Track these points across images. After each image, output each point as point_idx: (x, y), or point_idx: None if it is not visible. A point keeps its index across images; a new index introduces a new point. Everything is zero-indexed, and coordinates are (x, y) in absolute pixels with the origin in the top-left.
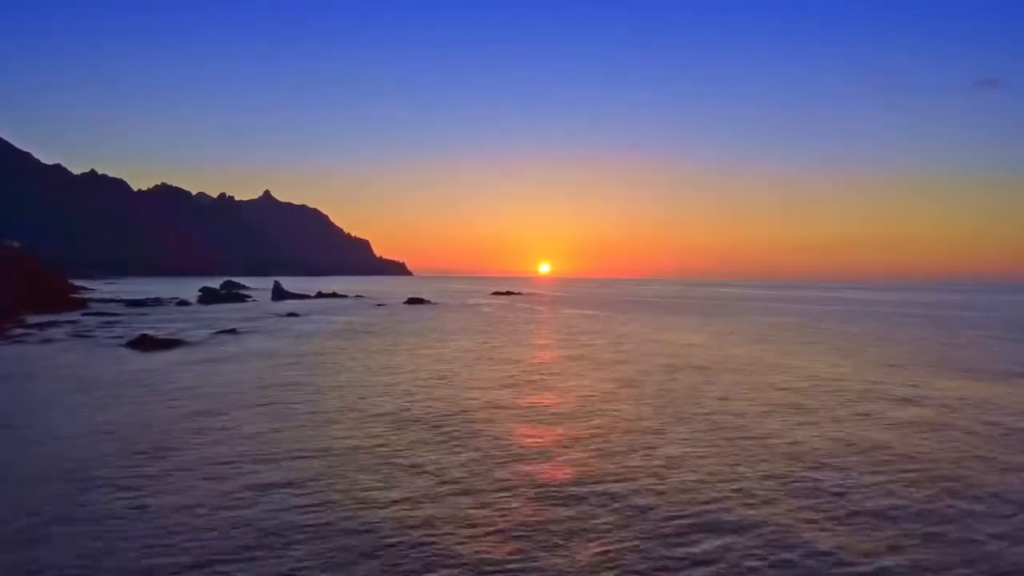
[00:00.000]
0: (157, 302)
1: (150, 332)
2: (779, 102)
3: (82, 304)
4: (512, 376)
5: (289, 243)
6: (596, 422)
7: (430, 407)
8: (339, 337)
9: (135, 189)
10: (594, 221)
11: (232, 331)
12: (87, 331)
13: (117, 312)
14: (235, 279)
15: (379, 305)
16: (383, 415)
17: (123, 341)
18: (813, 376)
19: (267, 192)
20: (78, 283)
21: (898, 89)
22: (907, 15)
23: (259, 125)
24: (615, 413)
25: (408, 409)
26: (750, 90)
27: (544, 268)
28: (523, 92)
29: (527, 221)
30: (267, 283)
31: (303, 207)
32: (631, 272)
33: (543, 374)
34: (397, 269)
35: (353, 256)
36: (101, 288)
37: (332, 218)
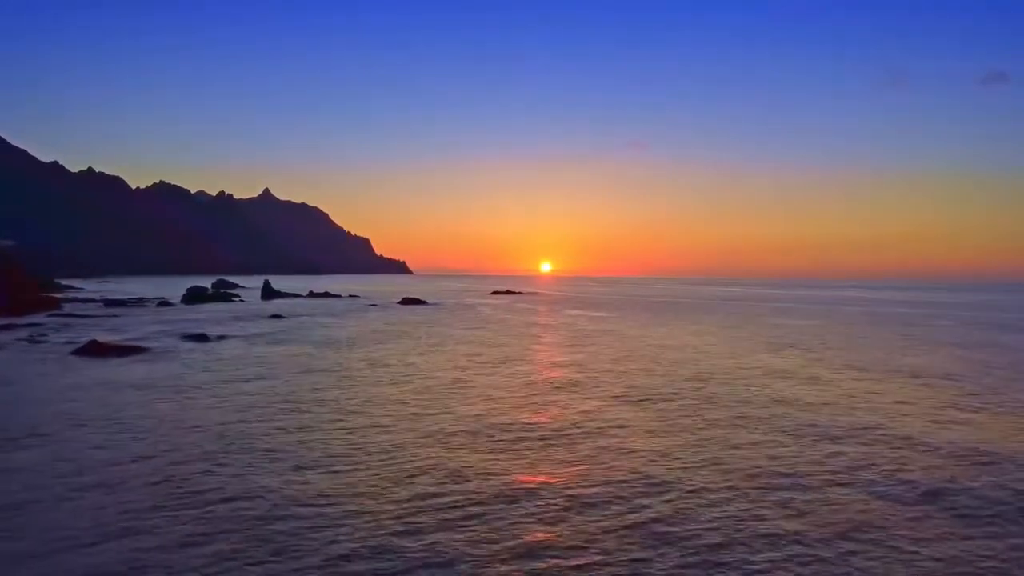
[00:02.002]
0: (139, 302)
1: (106, 338)
2: (780, 101)
3: (56, 305)
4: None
5: (289, 241)
6: None
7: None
8: (305, 343)
9: (133, 187)
10: (595, 220)
11: (201, 336)
12: (41, 336)
13: (89, 314)
14: (232, 278)
15: (372, 305)
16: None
17: (74, 348)
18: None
19: (267, 190)
20: (66, 282)
21: (902, 86)
22: (910, 8)
23: (258, 123)
24: None
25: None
26: (751, 88)
27: (546, 267)
28: (525, 90)
29: (529, 220)
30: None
31: (303, 205)
32: (633, 271)
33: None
34: (398, 268)
35: (353, 255)
36: (89, 288)
37: (332, 216)
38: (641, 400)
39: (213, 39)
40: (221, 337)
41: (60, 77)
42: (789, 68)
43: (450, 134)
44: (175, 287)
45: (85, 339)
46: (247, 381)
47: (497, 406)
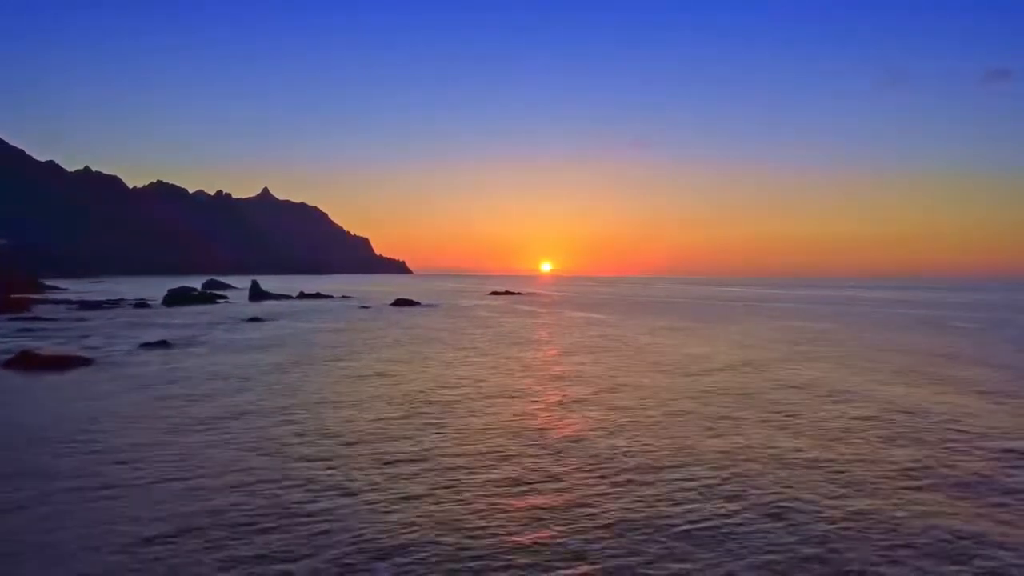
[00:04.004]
0: (116, 304)
1: (53, 346)
2: (780, 101)
3: (25, 307)
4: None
5: (288, 241)
6: None
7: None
8: (268, 352)
9: (130, 187)
10: (596, 219)
11: (162, 343)
12: None
13: (55, 317)
14: (228, 278)
15: (362, 307)
16: None
17: (7, 358)
18: None
19: (266, 189)
20: (55, 282)
21: (902, 86)
22: (910, 8)
23: (257, 122)
24: None
25: None
26: (752, 87)
27: (546, 267)
28: (526, 90)
29: (529, 219)
30: (260, 281)
31: (302, 205)
32: (634, 270)
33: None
34: (397, 267)
35: (353, 254)
36: (77, 288)
37: (332, 216)
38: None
39: (213, 39)
40: (184, 345)
41: (57, 76)
42: (789, 68)
43: (450, 134)
44: (166, 287)
45: (28, 347)
46: (141, 415)
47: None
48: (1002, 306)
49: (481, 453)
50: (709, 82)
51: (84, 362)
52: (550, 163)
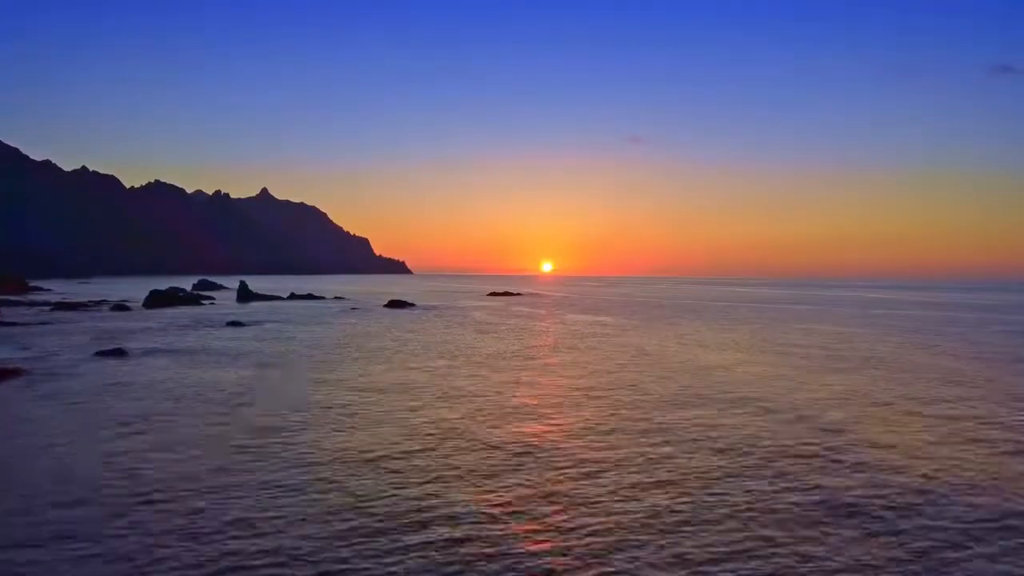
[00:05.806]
0: (96, 305)
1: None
2: (782, 98)
3: None
4: None
5: (288, 241)
6: None
7: None
8: (238, 365)
9: (128, 186)
10: (595, 219)
11: (117, 352)
12: None
13: (18, 321)
14: (225, 278)
15: (353, 309)
16: None
17: None
18: None
19: (264, 189)
20: (39, 283)
21: (905, 83)
22: (911, 6)
23: (256, 122)
24: None
25: None
26: (752, 84)
27: (547, 267)
28: (526, 89)
29: (529, 219)
30: (256, 281)
31: (301, 205)
32: (635, 270)
33: None
34: (397, 268)
35: (352, 255)
36: (64, 289)
37: (331, 216)
38: None
39: (212, 39)
40: (143, 354)
41: (54, 75)
42: (789, 67)
43: (450, 134)
44: (162, 288)
45: None
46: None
47: None
48: (1004, 307)
49: None
50: (709, 78)
51: (18, 373)
52: (550, 163)
